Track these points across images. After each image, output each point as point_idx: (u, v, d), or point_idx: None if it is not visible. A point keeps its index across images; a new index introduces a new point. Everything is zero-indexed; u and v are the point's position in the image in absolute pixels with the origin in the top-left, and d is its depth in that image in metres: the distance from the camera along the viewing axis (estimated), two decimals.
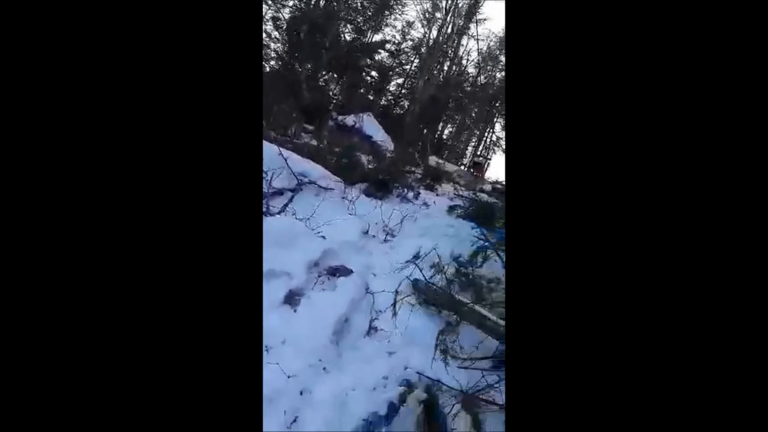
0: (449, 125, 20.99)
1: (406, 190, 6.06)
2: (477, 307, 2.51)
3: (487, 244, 3.60)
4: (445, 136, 20.64)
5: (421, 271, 2.94)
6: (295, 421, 1.63)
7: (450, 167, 11.46)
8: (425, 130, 15.57)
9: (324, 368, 1.93)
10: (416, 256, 3.40)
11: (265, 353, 1.92)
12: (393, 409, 1.76)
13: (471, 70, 19.32)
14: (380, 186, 5.83)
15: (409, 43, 18.03)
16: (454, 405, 1.80)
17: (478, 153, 20.72)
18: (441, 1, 16.19)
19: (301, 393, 1.75)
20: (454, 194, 7.49)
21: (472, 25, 17.39)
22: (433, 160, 11.14)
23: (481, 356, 2.26)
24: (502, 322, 2.39)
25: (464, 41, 18.06)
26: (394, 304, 2.53)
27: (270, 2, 11.46)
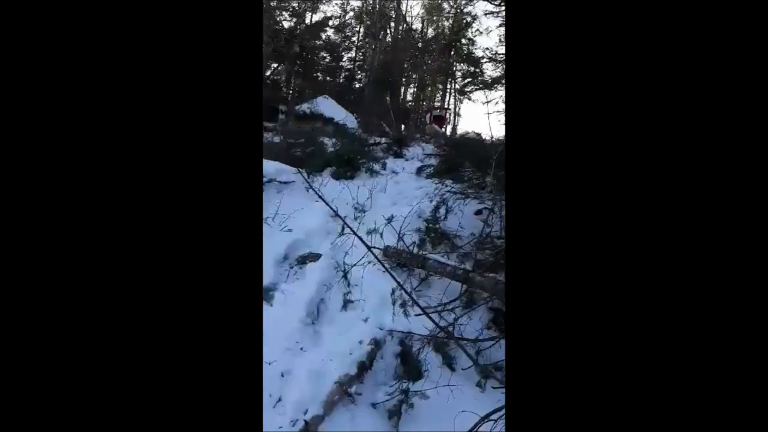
0: (411, 86, 20.77)
1: (372, 164, 6.15)
2: (438, 257, 2.68)
3: (445, 196, 3.74)
4: (410, 98, 20.46)
5: (380, 237, 3.11)
6: (280, 400, 1.81)
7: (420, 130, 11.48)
8: (387, 98, 15.45)
9: (301, 348, 2.10)
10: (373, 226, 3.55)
11: None
12: (363, 367, 1.94)
13: (417, 26, 18.99)
14: (347, 166, 5.91)
15: (351, 14, 17.65)
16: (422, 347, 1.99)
17: (436, 106, 19.02)
18: None
19: (282, 375, 1.92)
20: (424, 155, 7.58)
21: None
22: (397, 125, 11.14)
23: (448, 301, 2.45)
24: (462, 266, 2.57)
25: None
26: (344, 274, 2.69)
27: None
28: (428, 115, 16.10)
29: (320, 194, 3.16)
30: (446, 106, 19.23)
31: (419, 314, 2.08)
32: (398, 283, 2.28)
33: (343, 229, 3.18)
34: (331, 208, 2.84)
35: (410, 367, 2.02)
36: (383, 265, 2.42)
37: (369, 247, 2.47)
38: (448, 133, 14.83)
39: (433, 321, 2.02)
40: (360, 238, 2.51)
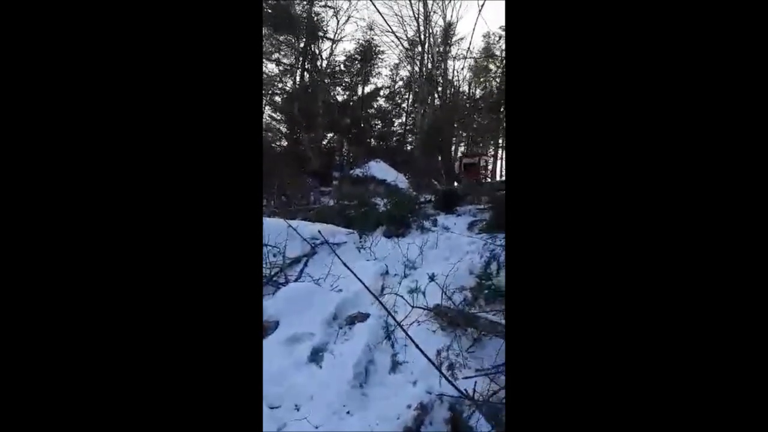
0: (462, 144, 21.19)
1: (423, 221, 6.20)
2: (489, 316, 2.57)
3: (496, 251, 3.64)
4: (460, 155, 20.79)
5: (424, 296, 3.05)
6: None
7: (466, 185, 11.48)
8: (439, 157, 15.84)
9: (348, 412, 2.05)
10: (412, 284, 3.47)
11: (295, 411, 2.08)
12: None
13: (465, 88, 19.79)
14: (398, 224, 6.01)
15: (400, 83, 18.87)
16: (473, 412, 1.86)
17: (468, 153, 16.38)
18: (417, 36, 16.98)
19: None
20: (476, 210, 7.53)
21: (452, 48, 18.02)
22: (449, 182, 11.24)
23: (503, 363, 2.30)
24: None
25: (450, 64, 18.66)
26: (388, 335, 2.63)
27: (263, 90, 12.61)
28: (456, 164, 13.82)
29: (345, 264, 3.13)
30: (482, 153, 16.70)
31: (468, 377, 1.98)
32: (421, 351, 2.19)
33: (382, 290, 3.16)
34: (357, 278, 2.82)
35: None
36: (403, 331, 2.35)
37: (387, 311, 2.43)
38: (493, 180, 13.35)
39: (459, 390, 1.89)
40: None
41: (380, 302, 2.66)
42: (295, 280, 3.55)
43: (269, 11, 10.56)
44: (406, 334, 2.19)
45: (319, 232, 4.43)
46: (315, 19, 13.73)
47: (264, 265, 3.60)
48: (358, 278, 2.74)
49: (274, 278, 3.55)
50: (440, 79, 17.96)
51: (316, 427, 1.94)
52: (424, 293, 3.09)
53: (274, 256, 3.89)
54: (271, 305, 3.02)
